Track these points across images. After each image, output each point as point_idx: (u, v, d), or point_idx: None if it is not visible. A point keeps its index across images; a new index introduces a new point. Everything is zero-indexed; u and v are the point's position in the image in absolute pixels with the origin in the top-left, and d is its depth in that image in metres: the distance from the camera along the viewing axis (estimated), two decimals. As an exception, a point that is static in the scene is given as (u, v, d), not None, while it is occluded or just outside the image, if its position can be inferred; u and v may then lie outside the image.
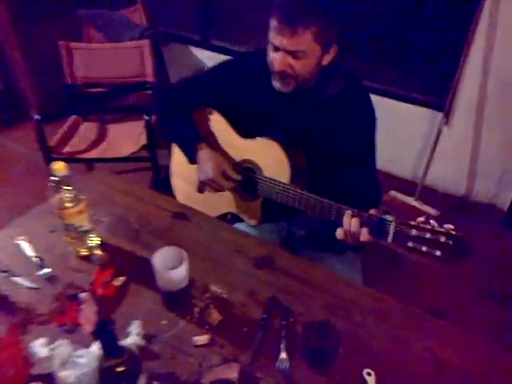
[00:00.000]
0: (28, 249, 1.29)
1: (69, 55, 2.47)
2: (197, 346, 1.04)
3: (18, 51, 3.16)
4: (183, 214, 1.42)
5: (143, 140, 2.39)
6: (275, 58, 1.26)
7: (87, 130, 2.61)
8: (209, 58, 3.29)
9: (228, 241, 1.34)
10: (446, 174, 2.71)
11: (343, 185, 1.35)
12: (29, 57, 3.21)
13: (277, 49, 1.24)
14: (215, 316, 1.11)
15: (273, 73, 1.30)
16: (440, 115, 2.50)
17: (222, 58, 3.02)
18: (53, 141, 2.37)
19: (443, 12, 2.47)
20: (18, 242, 1.31)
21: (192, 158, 1.47)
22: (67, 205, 1.18)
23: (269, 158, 1.39)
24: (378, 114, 1.39)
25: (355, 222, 1.16)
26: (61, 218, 1.21)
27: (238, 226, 1.53)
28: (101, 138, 2.54)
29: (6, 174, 3.05)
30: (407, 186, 2.75)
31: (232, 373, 0.95)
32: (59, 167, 1.14)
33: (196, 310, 1.13)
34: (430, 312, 1.17)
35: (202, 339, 1.06)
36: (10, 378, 0.94)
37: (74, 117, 2.61)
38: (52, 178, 1.16)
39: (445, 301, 2.16)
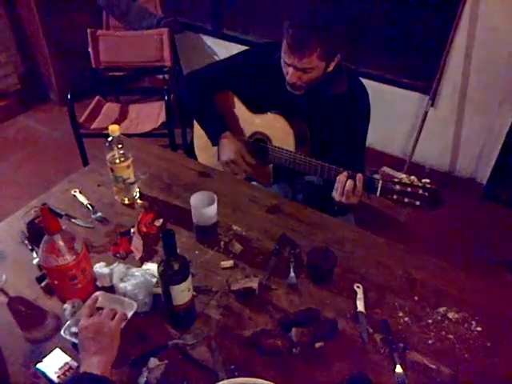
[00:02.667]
0: (82, 198, 1.57)
1: (95, 41, 2.73)
2: (223, 269, 1.33)
3: (42, 37, 3.40)
4: (207, 173, 1.70)
5: (162, 118, 2.67)
6: (287, 72, 1.51)
7: (110, 109, 2.88)
8: (219, 46, 3.50)
9: (245, 193, 1.62)
10: (432, 152, 2.98)
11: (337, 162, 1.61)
12: (51, 42, 3.46)
13: (288, 64, 1.50)
14: (237, 247, 1.40)
15: (286, 80, 1.55)
16: (427, 98, 2.76)
17: (232, 45, 3.26)
18: (81, 118, 2.64)
19: (432, 5, 2.75)
20: (73, 193, 1.59)
21: (215, 143, 1.75)
22: (118, 160, 1.47)
23: (276, 130, 1.67)
24: (372, 97, 1.64)
25: (350, 183, 1.43)
26: (112, 172, 1.49)
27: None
28: (123, 116, 2.81)
29: (30, 151, 3.33)
30: (397, 162, 3.02)
31: (253, 283, 1.24)
32: (114, 129, 1.42)
33: (222, 243, 1.41)
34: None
35: (227, 263, 1.34)
36: (82, 287, 1.22)
37: (97, 97, 2.88)
38: (108, 138, 1.45)
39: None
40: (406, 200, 1.37)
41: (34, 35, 3.49)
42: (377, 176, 1.44)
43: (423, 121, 2.78)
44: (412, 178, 1.39)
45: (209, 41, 3.55)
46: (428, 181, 1.36)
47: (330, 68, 1.54)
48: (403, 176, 1.41)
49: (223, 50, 3.45)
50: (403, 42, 2.96)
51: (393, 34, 3.01)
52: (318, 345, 1.12)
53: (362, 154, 1.73)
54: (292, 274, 1.31)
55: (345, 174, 1.45)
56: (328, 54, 1.48)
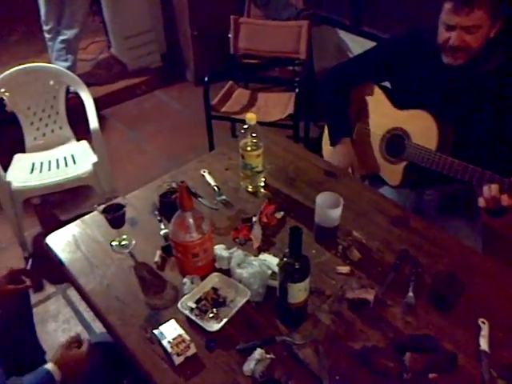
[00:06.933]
0: (210, 179, 1.63)
1: (236, 28, 2.82)
2: (339, 274, 1.30)
3: (186, 20, 3.60)
4: (333, 173, 1.67)
5: (289, 109, 2.68)
6: (450, 36, 1.42)
7: (240, 95, 2.96)
8: (355, 43, 3.41)
9: (370, 200, 1.56)
10: None
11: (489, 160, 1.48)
12: (195, 26, 3.63)
13: (451, 28, 1.41)
14: (355, 254, 1.35)
15: (444, 49, 1.47)
16: None
17: (368, 43, 3.12)
18: (214, 101, 2.75)
19: None
20: (203, 173, 1.66)
21: (333, 144, 1.77)
22: (249, 148, 1.50)
23: (419, 127, 1.59)
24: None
25: (495, 187, 1.32)
26: (242, 158, 1.53)
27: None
28: (251, 103, 2.87)
29: (162, 125, 3.57)
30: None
31: (369, 295, 1.19)
32: (251, 117, 1.45)
33: (340, 247, 1.38)
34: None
35: (344, 269, 1.31)
36: (202, 266, 1.28)
37: (230, 82, 2.97)
38: (244, 126, 1.48)
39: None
40: None
41: (179, 18, 3.71)
42: None
43: None
44: None
45: (344, 36, 3.46)
46: None
47: (491, 34, 1.43)
48: None
49: (358, 47, 3.33)
50: None
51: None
52: (432, 376, 1.04)
53: None
54: (411, 293, 1.23)
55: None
56: (495, 11, 1.38)
